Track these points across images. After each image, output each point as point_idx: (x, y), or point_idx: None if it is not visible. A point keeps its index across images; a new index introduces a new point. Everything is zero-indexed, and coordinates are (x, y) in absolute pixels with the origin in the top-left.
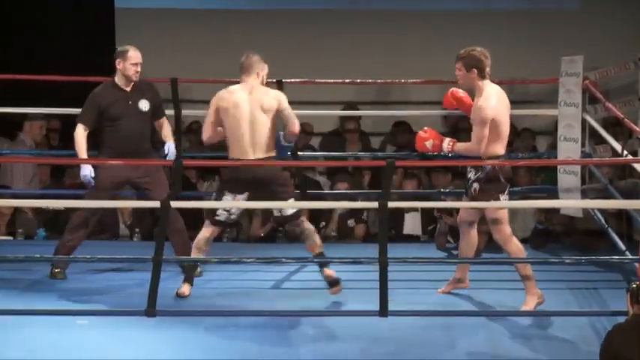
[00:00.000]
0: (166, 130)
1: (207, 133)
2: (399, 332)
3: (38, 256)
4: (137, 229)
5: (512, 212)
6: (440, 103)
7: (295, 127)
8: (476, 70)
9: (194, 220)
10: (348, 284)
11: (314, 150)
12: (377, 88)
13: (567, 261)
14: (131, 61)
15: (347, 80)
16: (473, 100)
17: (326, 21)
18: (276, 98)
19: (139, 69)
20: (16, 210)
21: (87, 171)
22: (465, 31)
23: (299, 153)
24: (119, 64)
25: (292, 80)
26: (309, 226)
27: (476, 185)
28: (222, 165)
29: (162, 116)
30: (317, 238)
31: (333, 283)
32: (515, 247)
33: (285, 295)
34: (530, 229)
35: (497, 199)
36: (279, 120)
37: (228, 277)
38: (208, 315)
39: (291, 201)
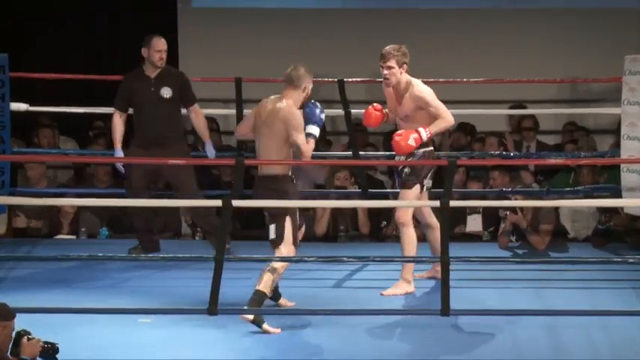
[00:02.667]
0: (202, 126)
1: (238, 130)
2: (461, 331)
3: (101, 255)
4: (199, 228)
5: (575, 211)
6: (498, 102)
7: (303, 157)
8: (405, 66)
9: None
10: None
11: (375, 149)
12: (436, 87)
13: (630, 260)
14: (155, 49)
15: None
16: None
17: (374, 20)
18: (284, 121)
19: (163, 55)
20: (79, 209)
21: (119, 154)
22: (525, 29)
23: (360, 152)
24: (145, 53)
25: (353, 80)
26: (277, 265)
27: (407, 169)
28: (284, 163)
29: (192, 102)
30: (270, 282)
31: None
32: (410, 235)
33: (346, 294)
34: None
35: (422, 182)
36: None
37: (289, 276)
38: (271, 314)
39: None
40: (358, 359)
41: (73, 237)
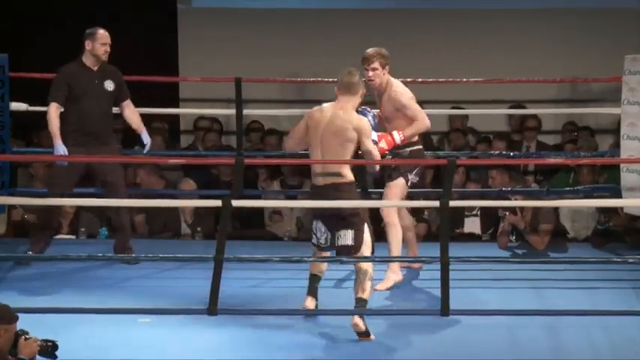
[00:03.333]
0: (138, 119)
1: (289, 144)
2: (461, 331)
3: (101, 255)
4: (199, 228)
5: (575, 211)
6: (498, 102)
7: (375, 165)
8: (387, 67)
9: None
10: (410, 283)
11: None
12: (436, 87)
13: (630, 260)
14: (101, 41)
15: (408, 79)
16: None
17: (374, 20)
18: (357, 130)
19: (108, 49)
20: (79, 209)
21: (61, 150)
22: (525, 29)
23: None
24: (88, 45)
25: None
26: (366, 267)
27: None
28: (284, 163)
29: (127, 96)
30: (369, 287)
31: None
32: (396, 233)
33: (347, 295)
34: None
35: (407, 177)
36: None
37: (289, 276)
38: (270, 314)
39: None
40: (358, 359)
41: (73, 237)
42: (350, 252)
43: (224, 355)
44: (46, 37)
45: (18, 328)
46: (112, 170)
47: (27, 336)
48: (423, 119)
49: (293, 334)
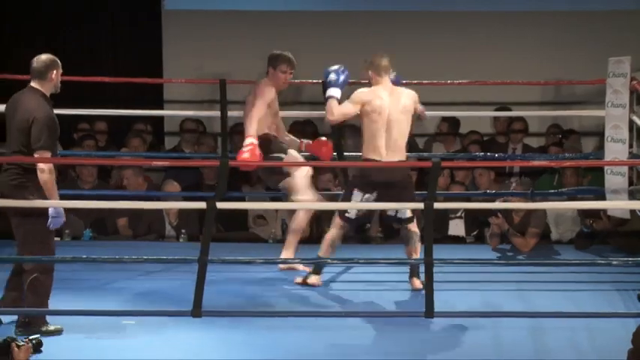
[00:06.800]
0: None
1: (339, 116)
2: (445, 333)
3: (85, 256)
4: (183, 230)
5: (559, 213)
6: (483, 104)
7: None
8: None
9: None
10: (394, 285)
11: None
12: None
13: (614, 262)
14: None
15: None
16: None
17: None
18: (413, 99)
19: None
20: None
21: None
22: (510, 31)
23: (345, 154)
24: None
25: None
26: (416, 230)
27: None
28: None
29: None
30: (419, 245)
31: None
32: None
33: (331, 296)
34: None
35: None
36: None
37: (274, 278)
38: (254, 315)
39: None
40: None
41: (57, 239)
42: (409, 222)
43: (208, 357)
44: (32, 38)
45: (6, 336)
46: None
47: (18, 342)
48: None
49: (277, 335)
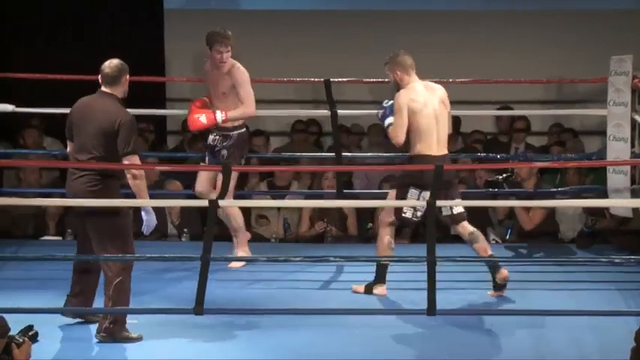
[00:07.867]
0: None
1: (401, 133)
2: (447, 331)
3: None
4: (185, 229)
5: (561, 212)
6: (485, 103)
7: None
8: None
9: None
10: (397, 284)
11: (362, 151)
12: None
13: (616, 261)
14: None
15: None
16: None
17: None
18: (444, 92)
19: None
20: (65, 210)
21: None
22: (511, 31)
23: (343, 154)
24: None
25: (340, 80)
26: (472, 228)
27: (224, 152)
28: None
29: None
30: (485, 241)
31: (499, 287)
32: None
33: (333, 294)
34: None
35: (240, 162)
36: None
37: (276, 277)
38: (257, 314)
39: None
40: (344, 359)
41: (60, 238)
42: (461, 219)
43: (210, 355)
44: (32, 38)
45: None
46: None
47: (16, 341)
48: (250, 105)
49: (279, 333)
